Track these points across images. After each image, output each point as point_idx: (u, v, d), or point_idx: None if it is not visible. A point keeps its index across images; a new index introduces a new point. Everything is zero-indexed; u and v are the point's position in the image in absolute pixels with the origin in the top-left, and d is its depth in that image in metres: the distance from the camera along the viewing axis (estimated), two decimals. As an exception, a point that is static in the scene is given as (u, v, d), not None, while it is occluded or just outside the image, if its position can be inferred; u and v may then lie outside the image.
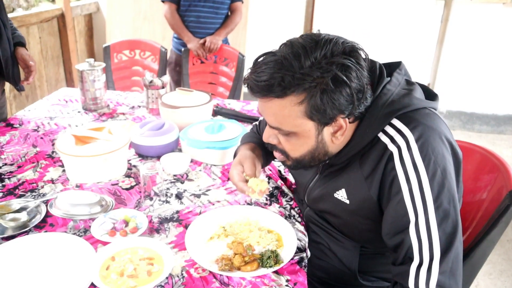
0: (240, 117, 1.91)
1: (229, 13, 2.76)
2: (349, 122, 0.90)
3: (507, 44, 3.76)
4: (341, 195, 1.00)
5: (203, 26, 2.67)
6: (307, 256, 1.08)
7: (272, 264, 1.00)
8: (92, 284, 0.92)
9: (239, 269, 0.99)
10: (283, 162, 1.02)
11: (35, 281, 0.93)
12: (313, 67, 0.82)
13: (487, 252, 1.15)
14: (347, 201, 0.99)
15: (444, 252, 0.83)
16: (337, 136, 0.91)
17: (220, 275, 0.99)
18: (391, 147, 0.88)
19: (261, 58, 0.89)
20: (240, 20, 2.79)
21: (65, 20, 3.39)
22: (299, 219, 1.22)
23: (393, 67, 0.97)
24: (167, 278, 0.96)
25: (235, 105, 2.14)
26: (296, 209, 1.27)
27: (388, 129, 0.90)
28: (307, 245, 1.11)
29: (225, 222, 1.15)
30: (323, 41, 0.84)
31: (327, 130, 0.90)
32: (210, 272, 0.99)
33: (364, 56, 0.87)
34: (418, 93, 0.95)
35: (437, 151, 0.86)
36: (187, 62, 2.73)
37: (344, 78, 0.82)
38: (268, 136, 0.98)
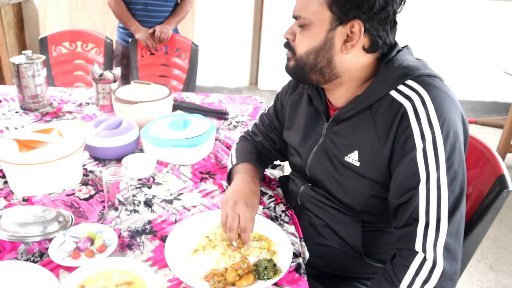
0: (202, 111, 1.76)
1: (179, 1, 2.57)
2: (364, 49, 0.91)
3: (488, 30, 3.85)
4: (353, 157, 0.96)
5: (151, 14, 2.47)
6: (304, 259, 0.98)
7: (271, 275, 0.88)
8: (58, 321, 0.75)
9: (233, 284, 0.87)
10: (286, 65, 1.00)
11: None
12: None
13: (479, 239, 1.12)
14: (358, 163, 0.95)
15: (451, 213, 0.83)
16: (347, 45, 0.90)
17: (212, 294, 0.85)
18: (405, 102, 0.88)
19: None
20: (191, 8, 2.62)
21: (-10, 10, 3.02)
22: (287, 219, 1.11)
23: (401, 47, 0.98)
24: (150, 304, 0.81)
25: (193, 98, 1.98)
26: (281, 205, 1.16)
27: (402, 88, 0.90)
28: (301, 248, 1.01)
29: (208, 230, 1.01)
30: None
31: (340, 34, 0.90)
32: (200, 291, 0.86)
33: None
34: (429, 67, 0.95)
35: (451, 115, 0.86)
36: (135, 54, 2.52)
37: None
38: (288, 32, 0.97)
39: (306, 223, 1.10)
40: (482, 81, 3.98)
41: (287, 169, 1.43)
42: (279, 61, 3.98)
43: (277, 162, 1.38)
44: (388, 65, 0.92)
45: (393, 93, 0.90)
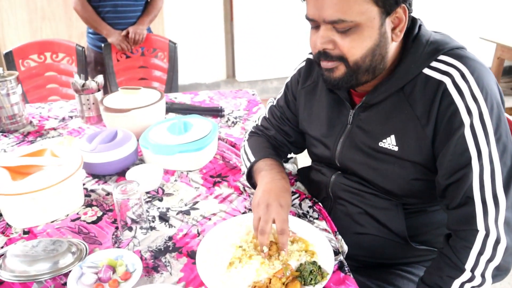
0: (197, 110, 1.66)
1: (149, -1, 2.44)
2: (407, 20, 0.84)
3: None
4: (389, 142, 0.91)
5: (122, 16, 2.33)
6: (343, 253, 0.91)
7: (318, 279, 0.81)
8: None
9: (280, 295, 0.79)
10: (329, 77, 0.88)
11: None
12: None
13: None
14: (396, 148, 0.90)
15: (507, 185, 0.80)
16: (396, 32, 0.85)
17: (260, 309, 0.78)
18: (445, 79, 0.83)
19: None
20: (162, 5, 2.49)
21: None
22: (316, 215, 1.04)
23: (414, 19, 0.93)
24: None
25: (182, 98, 1.88)
26: (306, 200, 1.09)
27: (437, 64, 0.85)
28: (337, 243, 0.94)
29: (238, 239, 0.93)
30: None
31: (389, 24, 0.84)
32: (246, 308, 0.78)
33: None
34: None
35: (491, 86, 0.83)
36: (110, 59, 2.38)
37: None
38: (324, 41, 0.84)
39: (340, 213, 1.03)
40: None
41: (300, 161, 1.35)
42: (254, 50, 3.90)
43: (290, 155, 1.31)
44: (416, 43, 0.87)
45: (426, 71, 0.86)
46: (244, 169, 1.14)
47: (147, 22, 2.40)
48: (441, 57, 0.85)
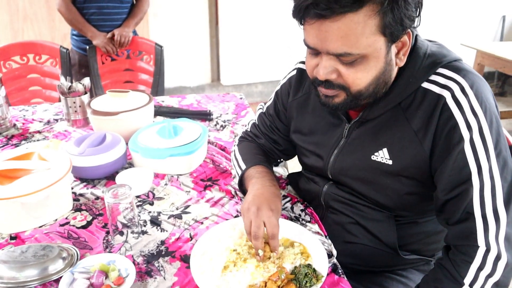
0: (185, 114, 1.65)
1: (135, 1, 2.42)
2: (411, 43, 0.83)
3: (444, 2, 3.88)
4: (382, 156, 0.89)
5: (107, 18, 2.31)
6: (333, 256, 0.92)
7: (313, 282, 0.82)
8: None
9: (276, 299, 0.79)
10: (327, 102, 0.86)
11: None
12: None
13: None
14: (389, 162, 0.89)
15: (507, 201, 0.79)
16: (400, 56, 0.83)
17: (257, 312, 0.78)
18: (444, 93, 0.82)
19: None
20: (147, 8, 2.47)
21: None
22: (308, 218, 1.05)
23: None
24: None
25: (170, 101, 1.87)
26: (298, 204, 1.09)
27: (436, 78, 0.84)
28: (331, 246, 0.95)
29: (232, 243, 0.93)
30: None
31: (393, 50, 0.82)
32: (242, 312, 0.78)
33: None
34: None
35: (489, 99, 0.83)
36: (95, 61, 2.35)
37: None
38: (326, 71, 0.81)
39: (331, 222, 1.03)
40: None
41: (290, 165, 1.36)
42: (239, 54, 3.90)
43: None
44: (414, 56, 0.85)
45: (425, 84, 0.84)
46: (235, 173, 1.14)
47: (132, 25, 2.38)
48: (440, 70, 0.84)
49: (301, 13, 0.77)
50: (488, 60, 3.10)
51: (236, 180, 1.13)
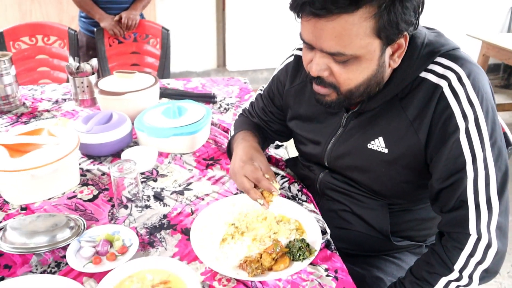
0: (190, 96, 1.69)
1: (142, -16, 2.44)
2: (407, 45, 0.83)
3: None
4: (377, 144, 0.91)
5: (115, 0, 2.34)
6: (327, 233, 0.96)
7: (306, 255, 0.86)
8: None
9: (270, 269, 0.84)
10: (321, 99, 0.89)
11: None
12: None
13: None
14: (385, 150, 0.90)
15: (501, 190, 0.81)
16: (394, 58, 0.83)
17: (251, 281, 0.82)
18: (441, 82, 0.83)
19: None
20: (155, -9, 2.49)
21: None
22: (304, 197, 1.09)
23: None
24: (190, 300, 0.77)
25: (175, 84, 1.90)
26: (295, 184, 1.13)
27: (434, 67, 0.85)
28: (325, 224, 0.99)
29: (231, 217, 0.98)
30: None
31: (388, 52, 0.82)
32: (238, 281, 0.83)
33: None
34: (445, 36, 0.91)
35: (486, 89, 0.83)
36: (102, 43, 2.38)
37: None
38: (318, 68, 0.82)
39: (326, 208, 1.07)
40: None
41: (290, 149, 1.40)
42: (246, 40, 3.91)
43: (280, 143, 1.35)
44: (412, 45, 0.85)
45: (422, 73, 0.85)
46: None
47: (140, 8, 2.40)
48: (438, 59, 0.84)
49: (297, 9, 0.78)
50: (494, 52, 3.09)
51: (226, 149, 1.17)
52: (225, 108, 1.63)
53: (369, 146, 0.92)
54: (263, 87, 1.24)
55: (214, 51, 4.06)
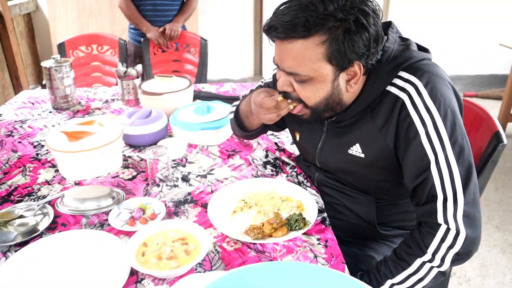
0: (220, 98, 1.90)
1: (185, -1, 2.71)
2: (362, 74, 0.93)
3: (482, 2, 3.87)
4: (356, 150, 1.04)
5: (160, 14, 2.61)
6: (323, 211, 1.12)
7: (301, 226, 1.03)
8: (130, 272, 0.90)
9: (270, 236, 1.01)
10: (302, 116, 1.04)
11: (71, 279, 0.89)
12: (337, 9, 0.85)
13: (481, 190, 1.24)
14: (362, 155, 1.03)
15: (465, 184, 0.90)
16: (351, 84, 0.95)
17: (254, 244, 1.00)
18: (402, 95, 0.94)
19: (285, 2, 0.92)
20: (196, 5, 2.76)
21: (4, 21, 3.15)
22: (309, 184, 1.25)
23: (385, 27, 1.02)
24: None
25: (209, 88, 2.12)
26: (302, 175, 1.30)
27: (396, 81, 0.96)
28: (323, 205, 1.15)
29: (243, 195, 1.16)
30: None
31: (343, 77, 0.93)
32: (243, 243, 1.01)
33: (377, 8, 0.92)
34: (414, 47, 1.01)
35: (445, 94, 0.92)
36: (148, 52, 2.66)
37: (365, 22, 0.86)
38: (283, 84, 0.98)
39: (323, 201, 1.21)
40: (479, 54, 4.07)
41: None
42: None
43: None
44: (379, 61, 0.94)
45: (388, 87, 0.96)
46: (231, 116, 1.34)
47: (182, 20, 2.67)
48: (400, 73, 0.94)
49: (267, 33, 0.93)
50: (527, 61, 3.09)
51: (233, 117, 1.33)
52: (250, 109, 1.82)
53: (349, 151, 1.05)
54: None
55: (252, 60, 4.30)
